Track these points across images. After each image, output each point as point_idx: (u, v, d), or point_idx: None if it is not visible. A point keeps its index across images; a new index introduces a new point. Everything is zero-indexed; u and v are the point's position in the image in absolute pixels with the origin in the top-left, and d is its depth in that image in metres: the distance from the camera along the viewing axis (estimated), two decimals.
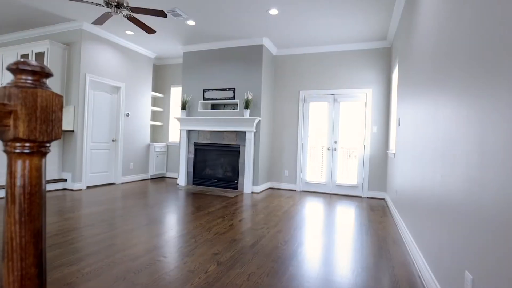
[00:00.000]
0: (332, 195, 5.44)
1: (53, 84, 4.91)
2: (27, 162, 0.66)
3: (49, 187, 4.84)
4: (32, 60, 0.65)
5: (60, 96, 0.72)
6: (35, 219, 0.68)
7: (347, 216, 3.90)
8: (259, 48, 5.44)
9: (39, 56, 4.93)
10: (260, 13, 4.32)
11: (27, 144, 0.65)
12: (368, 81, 5.39)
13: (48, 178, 4.90)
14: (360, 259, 2.45)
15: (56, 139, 0.71)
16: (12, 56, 5.23)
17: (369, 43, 5.33)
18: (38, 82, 0.67)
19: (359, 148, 5.46)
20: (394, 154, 4.10)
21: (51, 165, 4.96)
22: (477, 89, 1.30)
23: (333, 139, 5.63)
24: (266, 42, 5.47)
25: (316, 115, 5.79)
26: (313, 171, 5.79)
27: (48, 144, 0.69)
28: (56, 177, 5.03)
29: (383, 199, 5.24)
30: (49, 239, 2.61)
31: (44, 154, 0.69)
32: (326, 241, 2.86)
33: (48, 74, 0.68)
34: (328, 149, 5.66)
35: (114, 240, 2.67)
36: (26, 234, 0.66)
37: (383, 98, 5.30)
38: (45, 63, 4.84)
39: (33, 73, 0.66)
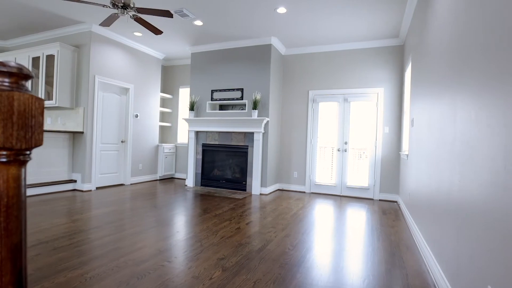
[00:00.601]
0: (342, 197, 5.31)
1: (63, 86, 4.96)
2: (3, 171, 0.60)
3: (59, 188, 4.89)
4: (12, 61, 0.59)
5: (41, 100, 0.67)
6: (13, 233, 0.62)
7: (358, 220, 3.78)
8: (267, 47, 5.37)
9: (50, 58, 4.99)
10: (268, 12, 4.24)
11: (3, 152, 0.59)
12: (379, 80, 5.24)
13: (58, 179, 4.96)
14: (371, 266, 2.34)
15: (36, 146, 0.66)
16: (24, 59, 5.32)
17: (380, 41, 5.18)
18: (15, 84, 0.62)
19: (370, 149, 5.31)
20: (407, 155, 3.95)
21: (61, 167, 5.02)
22: (499, 88, 1.19)
23: (344, 139, 5.49)
24: (275, 42, 5.39)
25: (325, 115, 5.67)
26: (322, 172, 5.67)
27: (27, 152, 0.64)
28: (66, 178, 5.08)
29: (396, 201, 5.07)
30: (55, 242, 2.61)
31: (23, 163, 0.64)
32: (335, 246, 2.76)
33: (27, 76, 0.62)
34: (338, 150, 5.53)
35: (119, 243, 2.65)
36: (3, 250, 0.61)
37: (395, 98, 5.14)
38: (55, 65, 4.90)
39: (9, 74, 0.61)
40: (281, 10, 4.15)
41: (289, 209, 4.22)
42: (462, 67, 1.71)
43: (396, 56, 5.12)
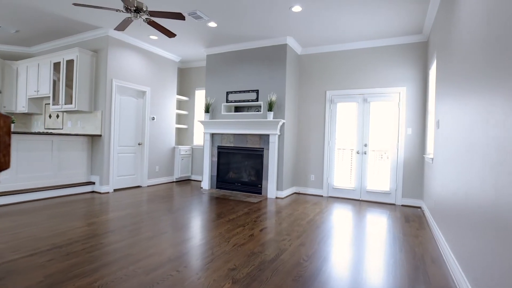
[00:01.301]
0: (362, 202, 5.09)
1: (82, 90, 5.07)
2: None
3: (78, 190, 5.01)
4: None
5: (7, 118, 0.59)
6: None
7: (379, 227, 3.57)
8: (283, 47, 5.24)
9: (70, 63, 5.12)
10: (283, 11, 4.12)
11: None
12: (401, 79, 4.97)
13: (77, 181, 5.08)
14: (393, 281, 2.17)
15: (2, 170, 0.58)
16: (46, 64, 5.49)
17: (402, 38, 4.91)
18: None
19: (391, 151, 5.05)
20: (432, 159, 3.70)
21: (80, 169, 5.13)
22: None
23: (363, 141, 5.26)
24: (290, 41, 5.25)
25: (344, 116, 5.46)
26: (341, 175, 5.47)
27: None
28: (85, 180, 5.20)
29: (420, 207, 4.79)
30: (69, 247, 2.62)
31: None
32: (354, 258, 2.60)
33: None
34: (358, 153, 5.31)
35: (131, 249, 2.62)
36: None
37: (418, 98, 4.85)
38: (74, 69, 5.02)
39: None
40: (296, 8, 4.02)
41: (306, 215, 4.08)
42: (498, 65, 1.51)
43: (420, 53, 4.84)
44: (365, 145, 5.25)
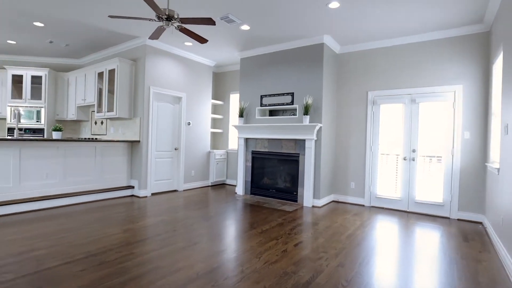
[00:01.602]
0: (409, 214, 4.59)
1: (122, 98, 5.28)
2: None
3: (118, 193, 5.21)
4: None
5: None
6: None
7: (430, 246, 3.14)
8: (319, 47, 4.94)
9: (111, 72, 5.36)
10: (319, 8, 3.85)
11: None
12: (456, 76, 4.39)
13: (118, 185, 5.30)
14: None
15: None
16: (91, 74, 5.83)
17: (458, 29, 4.33)
18: None
19: (445, 158, 4.48)
20: (498, 169, 3.16)
21: (121, 173, 5.35)
22: None
23: (411, 147, 4.75)
24: (327, 40, 4.94)
25: (388, 119, 4.99)
26: (385, 183, 5.00)
27: None
28: (125, 184, 5.40)
29: (481, 223, 4.17)
30: (102, 255, 2.65)
31: None
32: (401, 286, 2.26)
33: None
34: (405, 159, 4.81)
35: (162, 261, 2.57)
36: None
37: (478, 97, 4.24)
38: (115, 78, 5.25)
39: None
40: (334, 4, 3.72)
41: (345, 228, 3.75)
42: None
43: (479, 45, 4.22)
44: (413, 151, 4.73)
